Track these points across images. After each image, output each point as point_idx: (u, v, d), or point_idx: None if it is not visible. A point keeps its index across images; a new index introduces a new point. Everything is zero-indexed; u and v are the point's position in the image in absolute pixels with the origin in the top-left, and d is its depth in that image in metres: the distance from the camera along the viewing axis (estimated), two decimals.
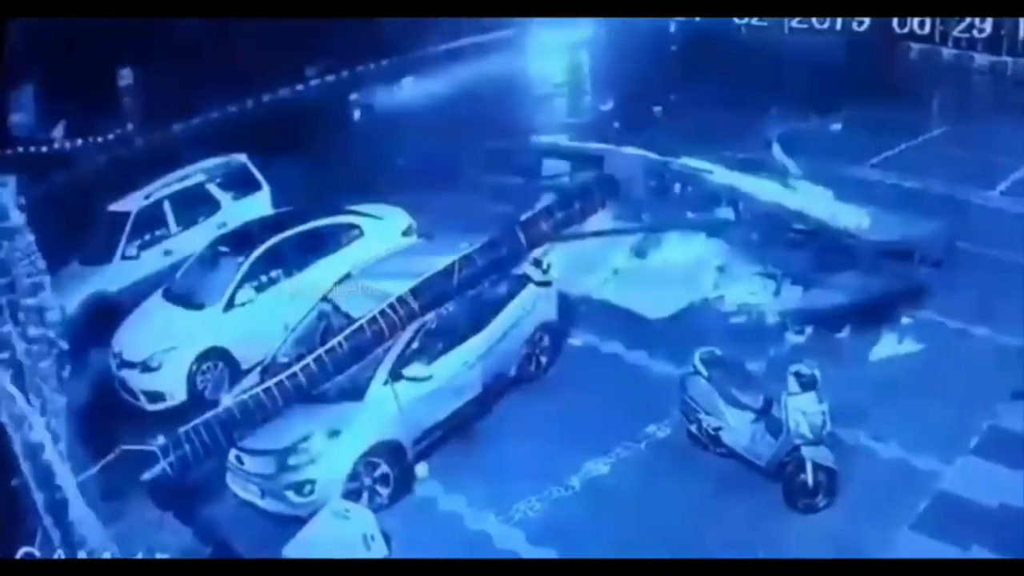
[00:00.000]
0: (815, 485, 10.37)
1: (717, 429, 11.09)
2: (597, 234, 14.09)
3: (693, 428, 11.33)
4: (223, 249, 14.19)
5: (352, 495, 10.84)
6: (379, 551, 10.30)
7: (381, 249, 13.52)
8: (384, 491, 11.14)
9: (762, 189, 14.17)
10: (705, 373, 11.25)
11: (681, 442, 11.48)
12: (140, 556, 8.99)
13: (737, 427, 10.95)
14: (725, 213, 14.68)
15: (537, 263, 13.30)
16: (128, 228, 15.21)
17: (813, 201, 13.64)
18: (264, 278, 13.83)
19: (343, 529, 10.23)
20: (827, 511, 10.37)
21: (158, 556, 9.01)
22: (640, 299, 14.08)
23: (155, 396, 13.13)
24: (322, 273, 13.53)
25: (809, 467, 10.35)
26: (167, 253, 15.41)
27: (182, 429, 10.78)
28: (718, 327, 13.29)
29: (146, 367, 13.12)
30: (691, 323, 13.64)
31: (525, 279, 12.99)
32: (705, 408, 11.17)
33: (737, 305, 13.87)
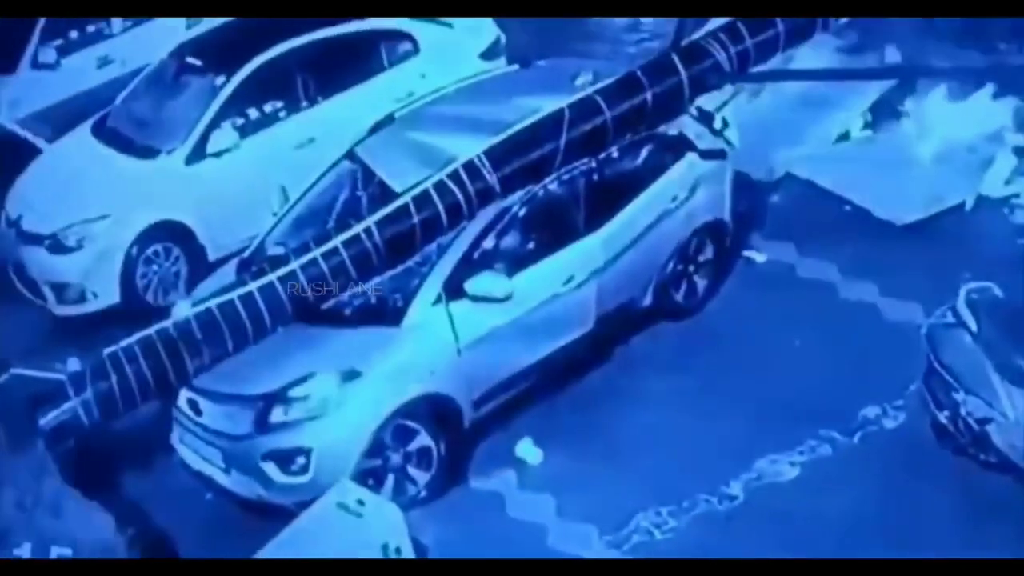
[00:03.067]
0: None
1: (984, 421, 10.84)
2: (811, 75, 13.78)
3: (943, 416, 11.14)
4: (193, 62, 14.27)
5: (370, 478, 10.93)
6: None
7: (445, 77, 13.39)
8: (422, 476, 11.26)
9: None
10: (972, 325, 10.98)
11: (920, 437, 11.38)
12: (27, 547, 9.31)
13: (1021, 420, 10.74)
14: None
15: (705, 117, 13.09)
16: (43, 19, 15.45)
17: None
18: (254, 113, 13.94)
19: (351, 532, 10.23)
20: None
21: (56, 551, 9.33)
22: (875, 189, 14.07)
23: (69, 293, 13.38)
24: (347, 111, 13.63)
25: None
26: (104, 62, 15.73)
27: (108, 350, 10.74)
28: (1001, 249, 13.07)
29: (58, 245, 13.29)
30: (955, 238, 13.58)
31: (682, 144, 12.82)
32: (967, 384, 10.93)
33: None
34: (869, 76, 14.48)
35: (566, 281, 11.78)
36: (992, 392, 10.78)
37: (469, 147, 11.60)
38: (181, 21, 15.54)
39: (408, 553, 10.28)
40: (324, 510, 10.34)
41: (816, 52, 14.03)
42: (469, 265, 11.41)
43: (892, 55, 15.05)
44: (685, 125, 12.86)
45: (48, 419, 10.44)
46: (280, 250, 11.60)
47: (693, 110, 12.94)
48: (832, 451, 11.43)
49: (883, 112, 14.70)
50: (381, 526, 10.23)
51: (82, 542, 9.76)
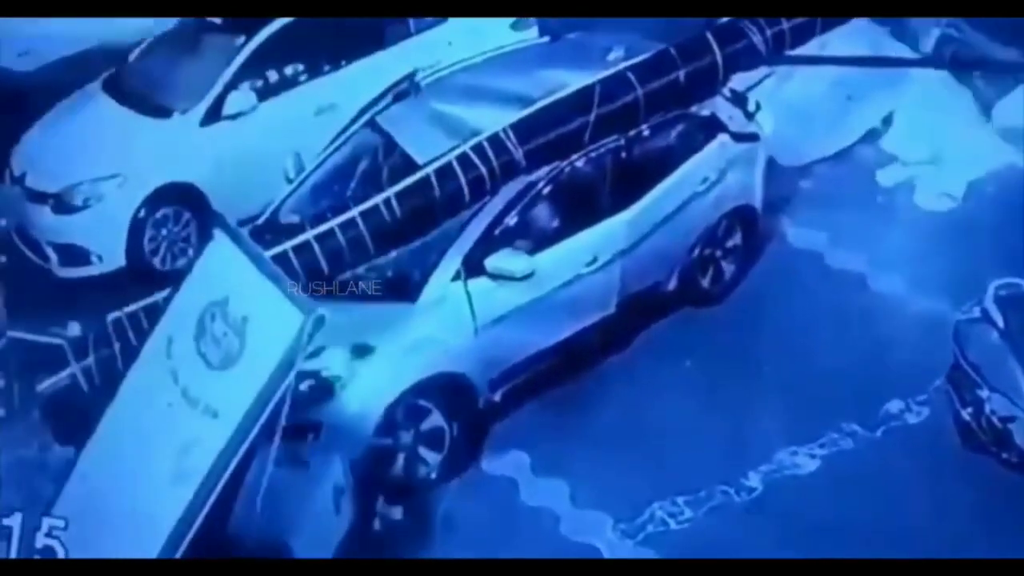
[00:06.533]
0: None
1: (1007, 420, 10.90)
2: (848, 61, 13.76)
3: (967, 413, 11.18)
4: (212, 20, 14.20)
5: (380, 457, 10.91)
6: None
7: (472, 48, 13.36)
8: (434, 457, 11.27)
9: None
10: (1000, 322, 11.06)
11: (943, 434, 11.41)
12: (18, 518, 9.06)
13: None
14: None
15: (738, 100, 13.04)
16: None
17: None
18: (274, 75, 13.92)
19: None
20: None
21: (48, 523, 9.02)
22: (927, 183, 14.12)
23: (73, 254, 13.40)
24: (370, 76, 13.48)
25: None
26: None
27: (112, 315, 10.78)
28: None
29: (63, 204, 13.31)
30: (986, 232, 13.49)
31: (714, 125, 12.81)
32: (992, 381, 10.97)
33: None
34: (906, 64, 14.41)
35: (589, 262, 11.80)
36: (1017, 390, 10.84)
37: (495, 120, 11.65)
38: None
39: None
40: None
41: (853, 40, 13.90)
42: (490, 242, 11.43)
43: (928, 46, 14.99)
44: (718, 106, 12.87)
45: (46, 385, 10.54)
46: (295, 219, 11.68)
47: (726, 91, 12.95)
48: (853, 445, 11.45)
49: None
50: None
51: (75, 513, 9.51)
